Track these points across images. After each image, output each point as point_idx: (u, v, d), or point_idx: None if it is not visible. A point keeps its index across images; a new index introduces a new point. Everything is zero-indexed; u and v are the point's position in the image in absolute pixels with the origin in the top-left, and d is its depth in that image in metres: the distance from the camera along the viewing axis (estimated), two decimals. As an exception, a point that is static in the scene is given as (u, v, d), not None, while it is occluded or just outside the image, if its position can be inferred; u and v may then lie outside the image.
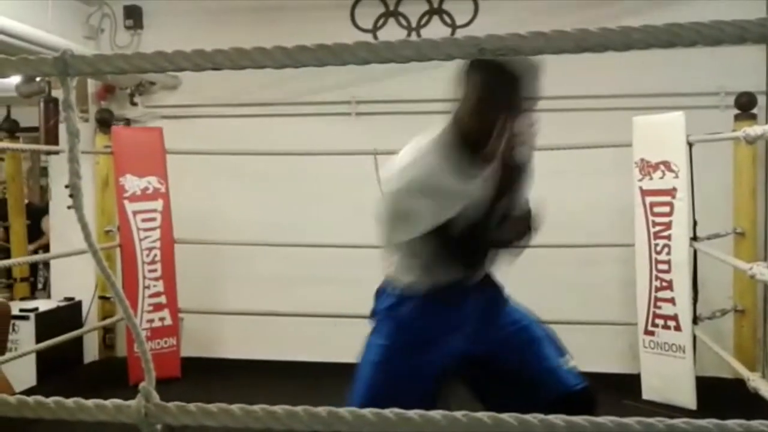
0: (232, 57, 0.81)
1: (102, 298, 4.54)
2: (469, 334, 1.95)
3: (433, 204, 1.82)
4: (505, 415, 0.78)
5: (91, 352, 4.63)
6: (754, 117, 3.88)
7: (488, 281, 2.04)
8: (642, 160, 3.70)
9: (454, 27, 4.40)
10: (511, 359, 1.96)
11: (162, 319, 4.13)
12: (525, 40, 0.76)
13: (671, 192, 3.58)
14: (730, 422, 0.75)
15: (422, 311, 1.94)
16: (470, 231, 1.83)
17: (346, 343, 4.37)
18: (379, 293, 2.06)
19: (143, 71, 0.84)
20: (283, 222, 4.47)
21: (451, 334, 1.93)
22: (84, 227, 0.82)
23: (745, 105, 3.88)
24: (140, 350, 0.83)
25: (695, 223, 3.65)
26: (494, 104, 1.80)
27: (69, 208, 0.86)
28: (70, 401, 0.84)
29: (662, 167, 3.61)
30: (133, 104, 4.72)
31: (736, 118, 3.89)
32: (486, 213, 1.83)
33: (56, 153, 4.18)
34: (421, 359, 1.91)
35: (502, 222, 1.90)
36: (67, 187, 0.83)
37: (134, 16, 4.69)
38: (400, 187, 1.87)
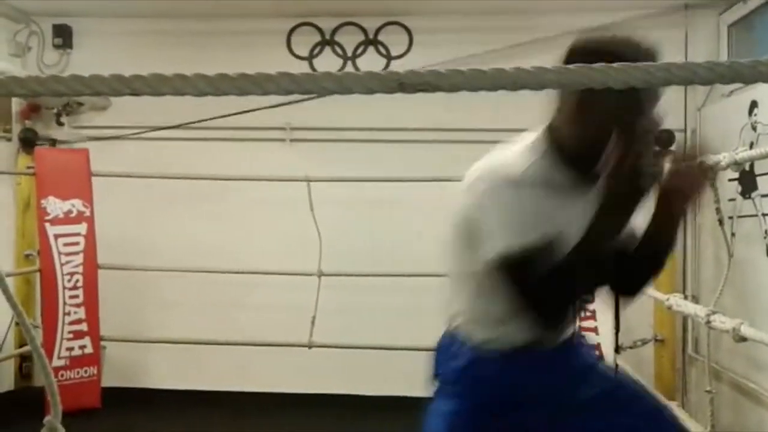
0: (151, 83, 0.79)
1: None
2: (556, 403, 1.58)
3: (529, 206, 1.35)
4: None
5: (6, 381, 4.41)
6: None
7: (575, 339, 1.66)
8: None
9: (389, 58, 4.46)
10: None
11: (83, 347, 3.98)
12: (443, 76, 0.78)
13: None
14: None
15: (501, 374, 1.54)
16: (557, 272, 1.36)
17: (275, 372, 4.36)
18: (442, 349, 1.63)
19: (58, 94, 0.82)
20: (213, 248, 4.39)
21: (535, 401, 1.56)
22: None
23: (664, 142, 4.05)
24: (46, 382, 0.80)
25: (618, 255, 3.78)
26: (599, 113, 1.37)
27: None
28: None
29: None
30: (60, 124, 4.57)
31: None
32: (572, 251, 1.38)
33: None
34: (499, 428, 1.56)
35: (591, 267, 1.43)
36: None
37: (63, 35, 4.58)
38: (492, 185, 1.38)
